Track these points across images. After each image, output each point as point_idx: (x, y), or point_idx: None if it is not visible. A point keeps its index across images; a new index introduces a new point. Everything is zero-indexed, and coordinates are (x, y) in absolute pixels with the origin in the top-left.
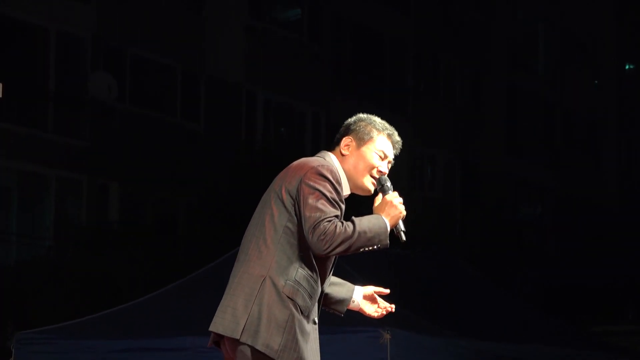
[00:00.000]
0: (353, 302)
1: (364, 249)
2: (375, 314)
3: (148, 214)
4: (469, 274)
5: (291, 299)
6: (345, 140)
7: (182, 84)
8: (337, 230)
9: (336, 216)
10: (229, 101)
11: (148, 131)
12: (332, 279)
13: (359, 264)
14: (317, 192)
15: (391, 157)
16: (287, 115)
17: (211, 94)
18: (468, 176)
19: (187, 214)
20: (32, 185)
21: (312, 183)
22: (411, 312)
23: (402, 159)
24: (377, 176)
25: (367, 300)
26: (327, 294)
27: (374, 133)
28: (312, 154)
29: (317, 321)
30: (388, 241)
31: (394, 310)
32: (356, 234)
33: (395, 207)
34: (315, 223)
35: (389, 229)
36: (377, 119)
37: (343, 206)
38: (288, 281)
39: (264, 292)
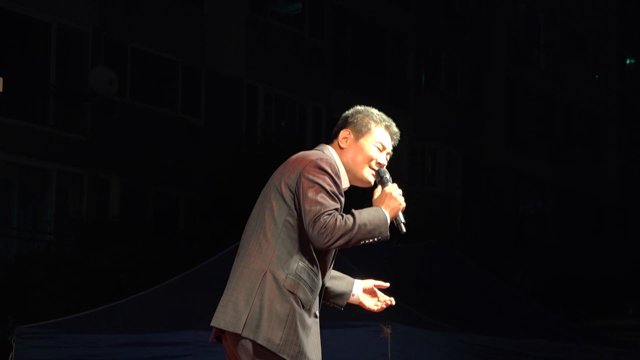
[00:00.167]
0: (353, 295)
1: (365, 242)
2: (375, 308)
3: (148, 208)
4: (469, 269)
5: (292, 293)
6: (344, 133)
7: (182, 78)
8: (338, 223)
9: (336, 209)
10: (230, 95)
11: (149, 125)
12: (332, 272)
13: (359, 259)
14: (317, 186)
15: (389, 148)
16: (288, 110)
17: (212, 88)
18: (468, 170)
19: (188, 208)
20: (32, 180)
21: (311, 177)
22: (411, 306)
23: (403, 153)
24: (376, 168)
25: (367, 294)
26: (327, 288)
27: (372, 125)
28: (313, 148)
29: (318, 315)
30: (388, 233)
31: (393, 303)
32: (356, 227)
33: (395, 198)
34: (316, 216)
35: (389, 221)
36: (375, 111)
37: (342, 199)
38: (289, 275)
39: (265, 286)
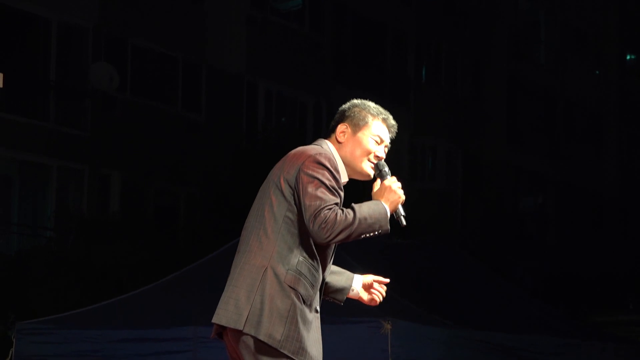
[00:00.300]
0: (352, 290)
1: (365, 235)
2: (368, 298)
3: (149, 204)
4: (469, 265)
5: (293, 289)
6: (341, 127)
7: (183, 74)
8: (338, 217)
9: (336, 204)
10: (230, 91)
11: (149, 121)
12: (332, 267)
13: (359, 255)
14: (316, 181)
15: (387, 141)
16: (289, 106)
17: (212, 85)
18: (469, 166)
19: (188, 204)
20: (33, 175)
21: (310, 172)
22: (412, 302)
23: (403, 150)
24: (374, 161)
25: (367, 289)
26: (326, 283)
27: (369, 118)
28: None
29: (319, 310)
30: (389, 226)
31: (384, 293)
32: (357, 221)
33: (394, 192)
34: (316, 211)
35: (389, 214)
36: (371, 104)
37: (342, 193)
38: (289, 270)
39: (266, 282)
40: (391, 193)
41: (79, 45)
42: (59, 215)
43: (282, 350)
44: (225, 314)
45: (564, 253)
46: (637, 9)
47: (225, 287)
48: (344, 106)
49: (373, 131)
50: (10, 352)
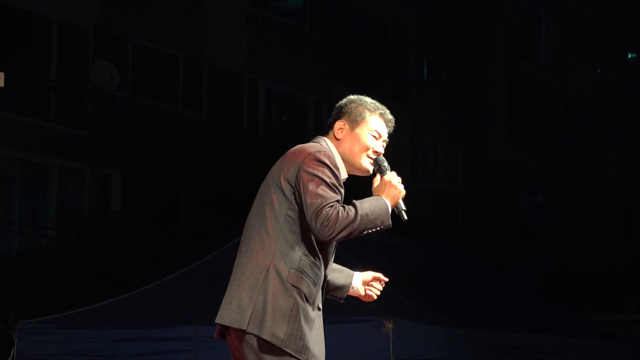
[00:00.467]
0: (352, 288)
1: (368, 231)
2: (365, 294)
3: (150, 203)
4: (470, 264)
5: (296, 287)
6: (339, 124)
7: (184, 73)
8: (340, 215)
9: (337, 201)
10: (231, 90)
11: (150, 120)
12: (332, 265)
13: (360, 254)
14: (317, 179)
15: (385, 136)
16: (289, 104)
17: (213, 83)
18: (470, 165)
19: (189, 203)
20: (34, 175)
21: (310, 170)
22: (413, 301)
23: (404, 148)
24: (373, 157)
25: (366, 286)
26: (327, 281)
27: (366, 114)
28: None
29: (321, 307)
30: (390, 222)
31: (380, 289)
32: (359, 217)
33: (395, 186)
34: (318, 209)
35: (390, 209)
36: (368, 99)
37: (343, 190)
38: (292, 269)
39: (269, 281)
40: (392, 188)
41: (80, 44)
42: (60, 214)
43: (285, 349)
44: (229, 314)
45: (565, 252)
46: (638, 7)
47: (228, 287)
48: (340, 102)
49: (371, 126)
50: (12, 351)
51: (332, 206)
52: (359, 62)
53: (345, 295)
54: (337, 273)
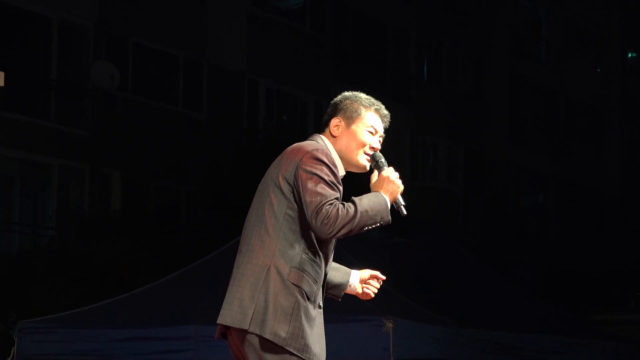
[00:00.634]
0: (350, 286)
1: (368, 228)
2: (362, 292)
3: (150, 203)
4: (470, 263)
5: (297, 286)
6: (334, 121)
7: (184, 72)
8: (340, 212)
9: (336, 198)
10: (231, 90)
11: (150, 120)
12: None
13: (361, 253)
14: (315, 177)
15: (381, 131)
16: (290, 104)
17: (213, 83)
18: (470, 165)
19: (189, 203)
20: (34, 174)
21: (308, 168)
22: (413, 301)
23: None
24: (370, 153)
25: (364, 284)
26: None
27: (362, 110)
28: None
29: (322, 305)
30: (390, 217)
31: (378, 287)
32: (358, 214)
33: (393, 182)
34: (317, 207)
35: (389, 205)
36: (363, 95)
37: (341, 188)
38: (293, 268)
39: (269, 280)
40: (390, 183)
41: (80, 44)
42: (60, 214)
43: (287, 348)
44: (230, 314)
45: (565, 251)
46: (638, 7)
47: (229, 288)
48: (335, 99)
49: (367, 122)
50: (12, 351)
51: (331, 204)
52: (359, 61)
53: (343, 294)
54: (335, 271)
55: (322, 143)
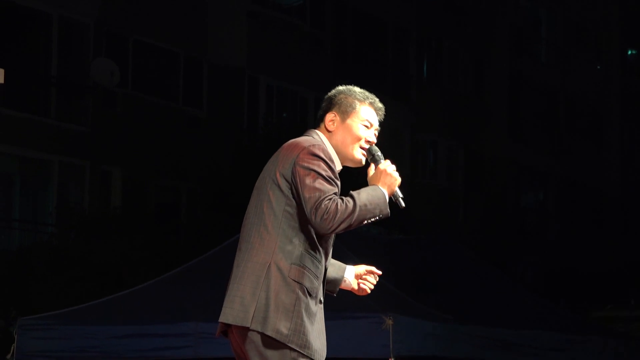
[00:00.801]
0: (345, 281)
1: (367, 221)
2: (358, 288)
3: (150, 200)
4: (470, 260)
5: (298, 282)
6: (329, 116)
7: (184, 69)
8: (339, 207)
9: (335, 193)
10: (232, 87)
11: (150, 117)
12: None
13: (360, 250)
14: (313, 172)
15: (376, 124)
16: (290, 101)
17: (213, 80)
18: (470, 163)
19: (189, 199)
20: (34, 171)
21: (306, 164)
22: (412, 298)
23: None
24: (366, 146)
25: (358, 279)
26: None
27: (356, 104)
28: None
29: (323, 300)
30: (388, 210)
31: (374, 283)
32: (357, 208)
33: (390, 175)
34: (316, 203)
35: (387, 198)
36: (357, 89)
37: (339, 182)
38: (293, 264)
39: (270, 278)
40: (387, 176)
41: (80, 41)
42: (60, 211)
43: (289, 345)
44: (232, 312)
45: (565, 249)
46: (638, 4)
47: (230, 286)
48: (329, 94)
49: (362, 116)
50: (12, 347)
51: (330, 199)
52: (359, 59)
53: (338, 289)
54: (329, 267)
55: (318, 138)
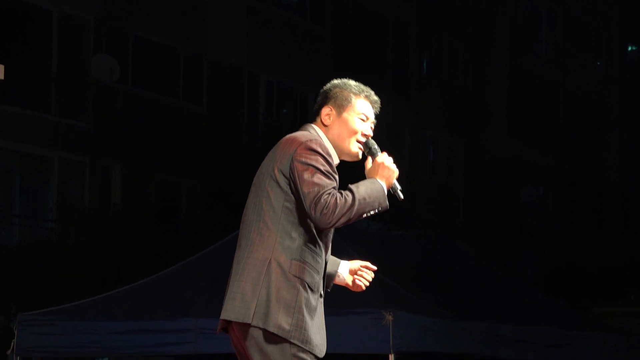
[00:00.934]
0: (339, 277)
1: (366, 215)
2: (353, 284)
3: (150, 196)
4: (470, 256)
5: (298, 278)
6: (325, 110)
7: (184, 66)
8: (338, 201)
9: (333, 188)
10: (232, 83)
11: (150, 113)
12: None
13: (359, 246)
14: (311, 167)
15: (372, 117)
16: (290, 97)
17: (213, 76)
18: (470, 159)
19: (189, 196)
20: (34, 167)
21: (304, 159)
22: (412, 293)
23: (405, 142)
24: (362, 140)
25: (353, 274)
26: None
27: (352, 97)
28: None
29: (323, 294)
30: (387, 203)
31: (370, 278)
32: (357, 202)
33: (388, 167)
34: (315, 198)
35: (386, 191)
36: (352, 82)
37: (337, 177)
38: (293, 260)
39: (271, 274)
40: (385, 169)
41: (80, 37)
42: (60, 207)
43: (291, 340)
44: (233, 309)
45: (565, 245)
46: (638, 2)
47: (230, 283)
48: (325, 87)
49: (358, 110)
50: (12, 343)
51: (329, 193)
52: (359, 56)
53: (332, 284)
54: None
55: (314, 133)
